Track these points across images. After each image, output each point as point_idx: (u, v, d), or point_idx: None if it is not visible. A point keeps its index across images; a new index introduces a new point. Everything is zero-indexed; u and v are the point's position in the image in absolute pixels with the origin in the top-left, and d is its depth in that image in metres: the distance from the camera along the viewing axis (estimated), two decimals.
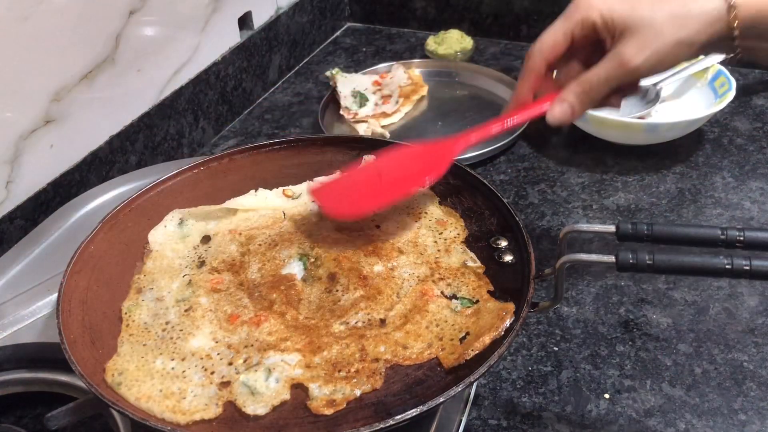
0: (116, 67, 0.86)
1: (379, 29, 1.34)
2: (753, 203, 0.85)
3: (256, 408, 0.49)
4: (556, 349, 0.69)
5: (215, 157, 0.73)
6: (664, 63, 0.56)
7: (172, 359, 0.52)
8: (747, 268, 0.49)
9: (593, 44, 0.58)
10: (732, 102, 0.92)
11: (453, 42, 1.17)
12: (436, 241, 0.62)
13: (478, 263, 0.60)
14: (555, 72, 0.63)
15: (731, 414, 0.62)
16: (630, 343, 0.69)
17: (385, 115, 1.03)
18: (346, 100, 1.06)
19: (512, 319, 0.53)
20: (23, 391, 0.65)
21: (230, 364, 0.52)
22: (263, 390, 0.50)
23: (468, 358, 0.51)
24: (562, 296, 0.55)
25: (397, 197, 0.63)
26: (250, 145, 0.74)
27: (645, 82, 0.98)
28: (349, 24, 1.37)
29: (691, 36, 0.54)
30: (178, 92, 0.98)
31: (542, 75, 0.60)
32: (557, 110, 0.58)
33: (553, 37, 0.58)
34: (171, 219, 0.65)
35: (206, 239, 0.64)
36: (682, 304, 0.73)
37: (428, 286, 0.57)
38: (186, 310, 0.57)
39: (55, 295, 0.57)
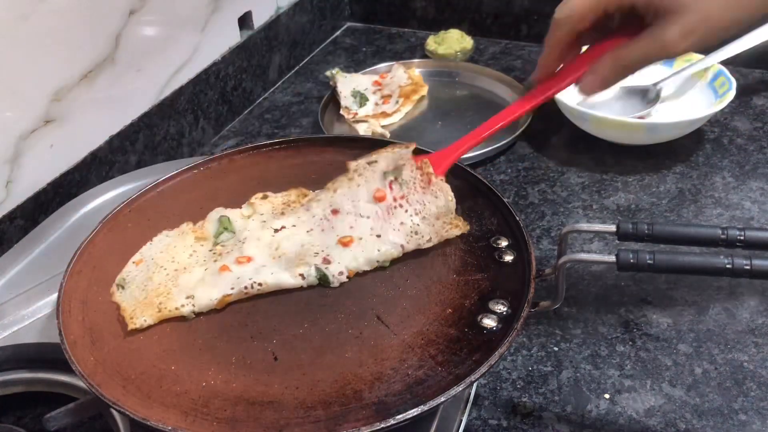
0: (116, 67, 0.86)
1: (379, 29, 1.34)
2: (753, 203, 0.85)
3: None
4: (556, 349, 0.69)
5: (215, 157, 0.73)
6: (708, 44, 0.53)
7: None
8: (747, 267, 0.49)
9: (628, 17, 0.55)
10: (732, 102, 0.92)
11: (453, 42, 1.17)
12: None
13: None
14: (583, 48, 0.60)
15: (731, 414, 0.62)
16: (630, 343, 0.69)
17: (385, 115, 1.03)
18: (346, 100, 1.06)
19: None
20: (23, 391, 0.65)
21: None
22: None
23: None
24: (562, 296, 0.55)
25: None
26: (250, 145, 0.74)
27: (645, 83, 0.98)
28: (349, 24, 1.37)
29: (744, 17, 0.51)
30: (178, 92, 0.98)
31: (569, 46, 0.57)
32: (589, 80, 0.56)
33: (586, 5, 0.54)
34: None
35: None
36: (682, 304, 0.73)
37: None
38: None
39: (55, 295, 0.57)
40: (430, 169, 0.64)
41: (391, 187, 0.63)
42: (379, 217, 0.62)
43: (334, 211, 0.63)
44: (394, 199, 0.63)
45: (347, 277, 0.59)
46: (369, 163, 0.66)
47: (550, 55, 0.58)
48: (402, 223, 0.61)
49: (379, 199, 0.63)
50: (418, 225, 0.61)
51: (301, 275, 0.59)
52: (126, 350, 0.54)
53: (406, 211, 0.62)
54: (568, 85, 0.60)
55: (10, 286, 0.69)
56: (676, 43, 0.51)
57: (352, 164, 0.67)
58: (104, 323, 0.56)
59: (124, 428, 0.59)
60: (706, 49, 0.56)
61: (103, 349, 0.54)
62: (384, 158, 0.66)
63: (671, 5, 0.50)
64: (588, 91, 0.57)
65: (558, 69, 0.60)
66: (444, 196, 0.62)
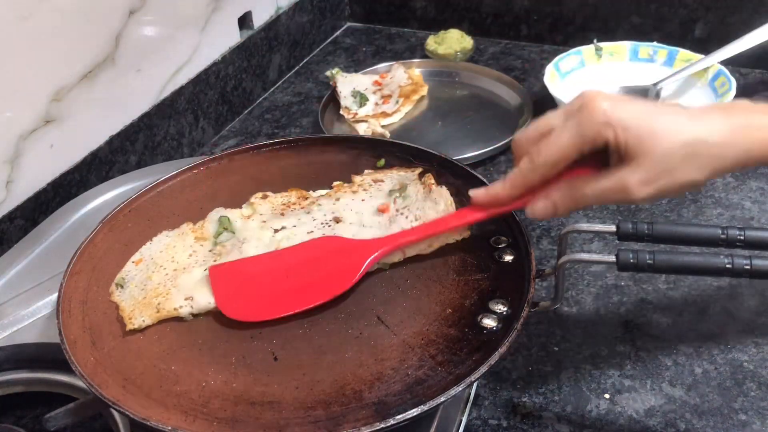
0: (116, 67, 0.86)
1: (379, 29, 1.34)
2: (753, 203, 0.85)
3: None
4: (556, 349, 0.69)
5: (215, 157, 0.73)
6: (666, 196, 0.53)
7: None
8: (747, 267, 0.49)
9: (595, 154, 0.52)
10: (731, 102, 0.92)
11: (453, 42, 1.17)
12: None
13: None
14: None
15: (731, 414, 0.62)
16: (630, 343, 0.69)
17: (385, 114, 1.03)
18: (346, 100, 1.06)
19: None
20: (23, 391, 0.65)
21: None
22: None
23: None
24: (562, 296, 0.55)
25: (300, 308, 0.56)
26: (250, 145, 0.74)
27: (645, 83, 0.98)
28: (349, 24, 1.37)
29: (707, 176, 0.50)
30: (178, 92, 0.98)
31: (536, 188, 0.54)
32: (540, 205, 0.53)
33: (560, 155, 0.51)
34: None
35: None
36: (682, 304, 0.73)
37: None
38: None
39: (55, 295, 0.57)
40: (431, 180, 0.65)
41: (395, 202, 0.65)
42: (381, 226, 0.63)
43: (336, 219, 0.64)
44: (397, 210, 0.64)
45: None
46: (375, 181, 0.67)
47: (509, 192, 0.55)
48: (402, 227, 0.61)
49: (382, 211, 0.64)
50: None
51: None
52: (126, 350, 0.54)
53: (407, 217, 0.63)
54: (517, 207, 0.56)
55: (10, 286, 0.69)
56: (634, 190, 0.50)
57: (357, 178, 0.68)
58: (104, 323, 0.56)
59: (124, 428, 0.59)
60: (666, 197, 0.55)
61: (103, 349, 0.54)
62: (390, 179, 0.68)
63: (638, 152, 0.49)
64: (537, 214, 0.54)
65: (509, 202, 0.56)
66: (444, 201, 0.62)
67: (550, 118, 0.53)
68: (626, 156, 0.49)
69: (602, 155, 0.51)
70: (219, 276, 0.58)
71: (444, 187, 0.64)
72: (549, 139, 0.51)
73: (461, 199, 0.66)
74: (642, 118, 0.49)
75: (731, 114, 0.50)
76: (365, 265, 0.58)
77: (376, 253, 0.58)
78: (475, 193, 0.57)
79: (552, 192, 0.53)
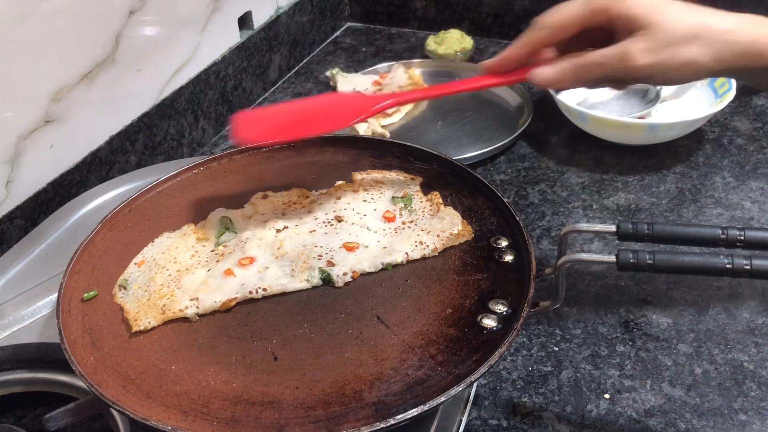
0: (116, 67, 0.86)
1: (379, 29, 1.34)
2: (753, 203, 0.85)
3: None
4: (556, 349, 0.69)
5: (215, 157, 0.73)
6: (668, 77, 0.53)
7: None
8: (747, 267, 0.49)
9: (605, 33, 0.55)
10: (732, 102, 0.92)
11: (453, 42, 1.17)
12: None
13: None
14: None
15: (731, 414, 0.62)
16: (630, 343, 0.69)
17: (385, 114, 1.03)
18: None
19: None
20: (23, 391, 0.65)
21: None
22: None
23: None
24: (562, 296, 0.55)
25: (317, 132, 0.66)
26: (250, 145, 0.74)
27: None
28: (349, 24, 1.37)
29: (709, 61, 0.51)
30: (178, 92, 0.98)
31: (540, 50, 0.58)
32: (546, 72, 0.56)
33: (567, 18, 0.55)
34: None
35: None
36: (682, 304, 0.73)
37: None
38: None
39: (55, 295, 0.58)
40: (439, 200, 0.66)
41: (401, 213, 0.65)
42: (387, 233, 0.63)
43: (338, 218, 0.64)
44: (403, 223, 0.64)
45: (351, 277, 0.59)
46: (375, 182, 0.67)
47: (519, 51, 0.58)
48: (408, 236, 0.62)
49: (388, 220, 0.65)
50: (423, 237, 0.62)
51: (307, 280, 0.59)
52: (126, 350, 0.54)
53: (413, 230, 0.63)
54: (518, 80, 0.59)
55: (10, 286, 0.69)
56: (636, 56, 0.52)
57: (357, 176, 0.68)
58: (104, 323, 0.56)
59: (124, 428, 0.59)
60: (673, 84, 0.56)
61: (103, 349, 0.54)
62: (390, 181, 0.68)
63: (646, 23, 0.52)
64: (538, 79, 0.57)
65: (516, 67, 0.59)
66: (450, 219, 0.63)
67: None
68: (634, 27, 0.52)
69: (610, 40, 0.54)
70: (239, 120, 0.63)
71: (451, 207, 0.65)
72: (559, 5, 0.55)
73: (461, 200, 0.66)
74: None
75: (739, 15, 0.52)
76: (379, 105, 0.61)
77: (389, 101, 0.62)
78: (486, 61, 0.60)
79: (557, 61, 0.56)
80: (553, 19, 0.56)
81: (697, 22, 0.51)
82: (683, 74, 0.53)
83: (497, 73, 0.60)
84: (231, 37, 1.07)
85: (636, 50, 0.52)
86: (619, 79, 0.56)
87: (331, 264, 0.60)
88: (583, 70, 0.55)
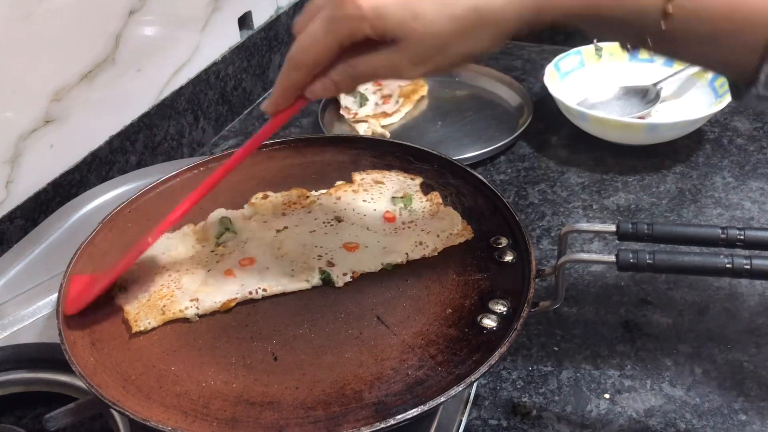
0: (116, 67, 0.86)
1: None
2: (753, 203, 0.85)
3: None
4: (556, 349, 0.69)
5: (215, 157, 0.73)
6: (450, 70, 0.52)
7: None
8: (747, 267, 0.49)
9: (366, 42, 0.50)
10: (732, 102, 0.92)
11: None
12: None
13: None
14: None
15: (731, 414, 0.62)
16: (630, 343, 0.69)
17: (385, 115, 1.03)
18: (346, 100, 1.06)
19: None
20: (23, 391, 0.65)
21: None
22: None
23: None
24: (562, 296, 0.55)
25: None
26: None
27: (645, 83, 0.98)
28: None
29: (487, 46, 0.49)
30: (178, 92, 0.98)
31: (305, 84, 0.52)
32: (318, 86, 0.52)
33: (320, 54, 0.50)
34: None
35: None
36: (682, 304, 0.73)
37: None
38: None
39: (55, 295, 0.57)
40: (438, 200, 0.66)
41: (400, 213, 0.65)
42: (387, 234, 0.63)
43: (338, 218, 0.64)
44: (403, 223, 0.64)
45: (351, 278, 0.59)
46: (375, 182, 0.67)
47: (284, 95, 0.53)
48: (408, 237, 0.62)
49: (388, 220, 0.64)
50: (423, 238, 0.62)
51: (307, 281, 0.59)
52: (126, 351, 0.54)
53: (413, 231, 0.63)
54: (300, 106, 0.55)
55: (10, 286, 0.69)
56: (408, 69, 0.49)
57: (357, 176, 0.69)
58: (104, 324, 0.56)
59: (123, 428, 0.59)
60: (454, 69, 0.54)
61: (103, 350, 0.54)
62: (390, 181, 0.68)
63: (402, 37, 0.47)
64: (317, 94, 0.52)
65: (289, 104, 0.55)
66: (450, 219, 0.64)
67: None
68: (392, 40, 0.48)
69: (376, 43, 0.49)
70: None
71: (451, 207, 0.65)
72: (303, 40, 0.50)
73: (461, 200, 0.66)
74: (402, 2, 0.46)
75: None
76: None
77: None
78: (265, 107, 0.55)
79: (330, 72, 0.51)
80: (305, 58, 0.50)
81: (459, 13, 0.47)
82: (466, 62, 0.51)
83: (279, 111, 0.55)
84: (231, 37, 1.07)
85: (404, 64, 0.49)
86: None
87: (331, 264, 0.60)
88: (357, 81, 0.52)
